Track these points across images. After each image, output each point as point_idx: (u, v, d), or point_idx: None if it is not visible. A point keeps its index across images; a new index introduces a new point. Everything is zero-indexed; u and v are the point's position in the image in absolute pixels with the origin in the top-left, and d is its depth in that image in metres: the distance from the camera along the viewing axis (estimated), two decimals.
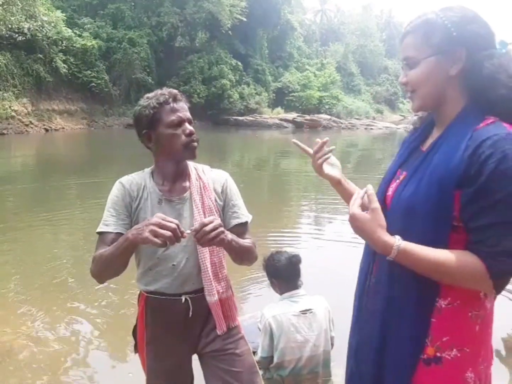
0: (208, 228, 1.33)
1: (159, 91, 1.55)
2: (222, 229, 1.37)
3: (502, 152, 0.99)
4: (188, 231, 1.34)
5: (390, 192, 1.21)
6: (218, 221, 1.37)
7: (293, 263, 2.46)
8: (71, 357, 2.93)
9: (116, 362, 2.93)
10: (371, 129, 32.87)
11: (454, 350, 1.09)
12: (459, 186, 1.03)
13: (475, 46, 1.07)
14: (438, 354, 1.09)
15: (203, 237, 1.33)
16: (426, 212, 1.06)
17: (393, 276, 1.13)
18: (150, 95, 1.55)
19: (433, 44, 1.09)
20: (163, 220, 1.29)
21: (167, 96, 1.51)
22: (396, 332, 1.14)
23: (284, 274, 2.46)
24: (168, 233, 1.26)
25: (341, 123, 33.51)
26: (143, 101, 1.54)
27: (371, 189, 1.12)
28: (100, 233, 1.53)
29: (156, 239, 1.26)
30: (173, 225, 1.28)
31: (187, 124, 1.53)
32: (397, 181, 1.20)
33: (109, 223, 1.53)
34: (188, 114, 1.55)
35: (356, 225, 1.12)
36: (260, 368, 2.37)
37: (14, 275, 4.30)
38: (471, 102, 1.10)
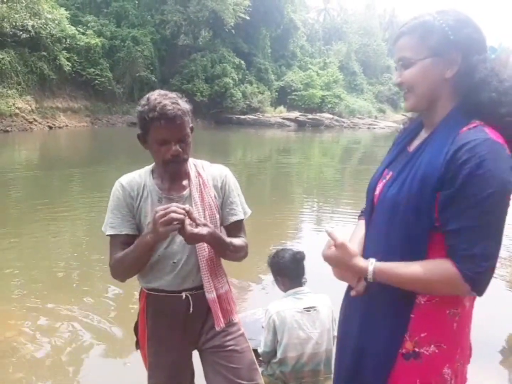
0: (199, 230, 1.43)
1: (157, 99, 1.47)
2: (207, 232, 1.45)
3: (479, 158, 1.01)
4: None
5: (377, 191, 1.24)
6: (211, 230, 1.46)
7: (297, 260, 2.48)
8: (74, 353, 2.94)
9: (118, 358, 2.95)
10: (374, 128, 32.80)
11: (432, 346, 1.11)
12: (439, 188, 1.05)
13: (470, 50, 1.10)
14: (417, 349, 1.12)
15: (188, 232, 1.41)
16: (409, 210, 1.09)
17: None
18: (151, 97, 1.49)
19: (430, 46, 1.10)
20: (160, 211, 1.37)
21: (156, 115, 1.43)
22: (376, 326, 1.18)
23: (288, 271, 2.47)
24: (175, 215, 1.36)
25: (344, 122, 33.44)
26: (142, 103, 1.51)
27: (329, 229, 1.20)
28: (109, 235, 1.58)
29: (171, 227, 1.37)
30: (182, 206, 1.38)
31: (172, 145, 1.49)
32: (384, 181, 1.23)
33: (114, 225, 1.56)
34: (178, 134, 1.49)
35: (329, 262, 1.22)
36: (261, 364, 2.40)
37: (17, 271, 4.32)
38: (459, 105, 1.13)
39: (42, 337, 3.12)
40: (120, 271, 1.57)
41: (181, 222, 1.38)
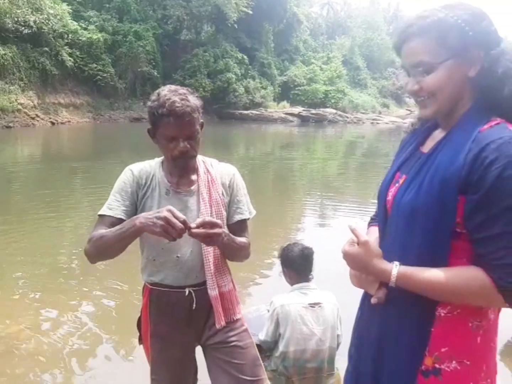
0: (211, 231, 1.38)
1: (167, 95, 1.46)
2: (221, 237, 1.42)
3: (506, 157, 0.94)
4: (194, 225, 1.37)
5: (389, 197, 1.15)
6: (220, 230, 1.41)
7: (305, 255, 2.49)
8: (77, 348, 2.95)
9: (121, 353, 2.95)
10: (377, 123, 32.64)
11: (454, 362, 1.03)
12: (462, 191, 0.98)
13: (489, 43, 1.03)
14: (437, 366, 1.04)
15: (199, 235, 1.37)
16: (428, 216, 1.01)
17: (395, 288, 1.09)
18: (161, 93, 1.49)
19: (449, 46, 1.01)
20: (172, 217, 1.31)
21: (165, 111, 1.43)
22: (394, 341, 1.10)
23: (295, 265, 2.49)
24: (175, 233, 1.31)
25: (347, 117, 33.31)
26: (153, 98, 1.50)
27: (353, 225, 1.11)
28: (101, 216, 1.54)
29: (165, 235, 1.31)
30: (181, 225, 1.31)
31: (180, 142, 1.49)
32: (396, 185, 1.15)
33: (112, 207, 1.54)
34: (187, 131, 1.48)
35: (350, 260, 1.12)
36: (264, 359, 2.36)
37: (20, 266, 4.34)
38: (478, 102, 1.05)
39: (45, 331, 3.13)
40: (96, 249, 1.49)
41: (181, 233, 1.33)
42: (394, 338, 1.10)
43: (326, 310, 2.40)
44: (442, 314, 1.04)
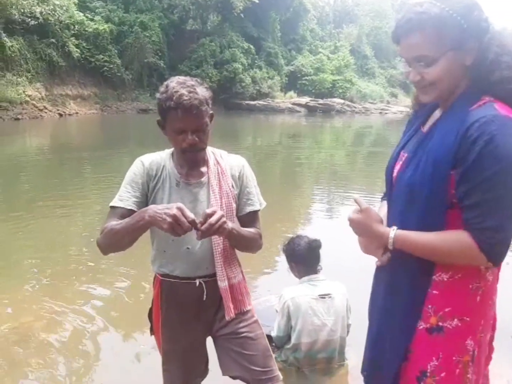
0: (213, 219, 1.37)
1: (175, 87, 1.44)
2: (224, 219, 1.41)
3: (488, 134, 1.05)
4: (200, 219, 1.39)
5: (395, 173, 1.28)
6: (220, 212, 1.41)
7: (313, 248, 2.47)
8: (89, 337, 2.97)
9: (133, 343, 2.96)
10: (386, 113, 32.32)
11: (455, 320, 1.16)
12: (453, 167, 1.10)
13: (481, 32, 1.11)
14: (440, 324, 1.17)
15: (208, 229, 1.37)
16: (424, 192, 1.13)
17: (396, 252, 1.21)
18: (169, 85, 1.47)
19: (448, 39, 1.09)
20: (181, 216, 1.32)
21: (173, 104, 1.42)
22: (396, 299, 1.24)
23: (303, 259, 2.47)
24: (182, 231, 1.33)
25: (355, 107, 33.02)
26: (161, 90, 1.49)
27: (355, 196, 1.29)
28: (112, 207, 1.55)
29: (172, 231, 1.33)
30: (188, 226, 1.33)
31: (189, 134, 1.48)
32: (400, 162, 1.26)
33: (123, 198, 1.55)
34: (195, 124, 1.47)
35: (354, 225, 1.26)
36: (274, 350, 2.39)
37: (30, 258, 4.37)
38: (471, 84, 1.15)
39: (57, 322, 3.15)
40: (107, 240, 1.51)
41: (187, 231, 1.35)
42: (397, 296, 1.23)
43: (336, 300, 2.40)
44: (445, 279, 1.17)
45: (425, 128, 1.25)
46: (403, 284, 1.22)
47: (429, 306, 1.18)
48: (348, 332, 2.48)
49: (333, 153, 13.35)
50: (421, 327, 1.19)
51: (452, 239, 1.11)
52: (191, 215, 1.34)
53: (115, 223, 1.48)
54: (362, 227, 1.25)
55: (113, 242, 1.50)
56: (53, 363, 2.70)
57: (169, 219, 1.31)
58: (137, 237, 1.48)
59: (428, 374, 1.18)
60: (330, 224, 5.78)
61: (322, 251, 2.52)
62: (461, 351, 1.17)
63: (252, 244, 1.66)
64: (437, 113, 1.24)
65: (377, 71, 44.99)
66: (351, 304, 2.50)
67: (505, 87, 1.10)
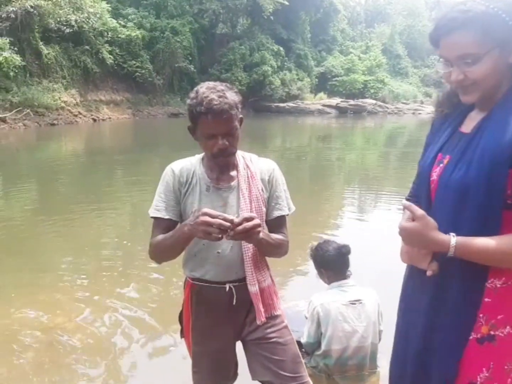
0: (249, 225, 1.37)
1: (205, 92, 1.46)
2: (259, 229, 1.41)
3: None
4: (236, 219, 1.39)
5: (434, 177, 1.22)
6: (258, 221, 1.41)
7: (343, 254, 2.42)
8: (120, 340, 3.02)
9: (163, 346, 2.99)
10: (419, 113, 31.59)
11: (508, 327, 1.12)
12: (511, 165, 1.05)
13: None
14: (492, 332, 1.12)
15: (241, 232, 1.37)
16: (480, 192, 1.08)
17: (444, 261, 1.15)
18: (199, 90, 1.48)
19: (493, 37, 1.08)
20: (209, 218, 1.35)
21: (203, 109, 1.43)
22: (447, 312, 1.17)
23: (333, 265, 2.43)
24: (216, 231, 1.35)
25: (387, 108, 32.44)
26: (192, 95, 1.50)
27: (407, 203, 1.18)
28: (153, 218, 1.62)
29: (209, 237, 1.37)
30: (219, 222, 1.34)
31: (219, 139, 1.49)
32: (441, 165, 1.21)
33: (160, 208, 1.60)
34: (225, 128, 1.48)
35: (408, 234, 1.17)
36: (304, 356, 2.35)
37: (67, 260, 4.48)
38: None
39: (89, 323, 3.22)
40: (156, 254, 1.62)
41: (223, 231, 1.37)
42: (448, 308, 1.17)
43: (367, 306, 2.35)
44: (498, 285, 1.12)
45: (467, 129, 1.20)
46: (454, 296, 1.17)
47: (481, 315, 1.13)
48: (380, 339, 2.42)
49: (364, 155, 13.15)
50: (472, 337, 1.14)
51: None
52: (219, 214, 1.37)
53: (161, 238, 1.56)
54: (418, 236, 1.15)
55: (163, 256, 1.63)
56: (85, 365, 2.75)
57: (201, 227, 1.36)
58: (184, 248, 1.58)
59: None
60: (361, 228, 5.66)
61: (352, 256, 2.47)
62: None
63: (278, 251, 1.66)
64: (474, 114, 1.21)
65: (410, 70, 44.06)
66: (382, 310, 2.42)
67: None
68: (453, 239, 1.11)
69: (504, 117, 1.10)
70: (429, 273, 1.20)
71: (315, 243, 2.60)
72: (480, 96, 1.15)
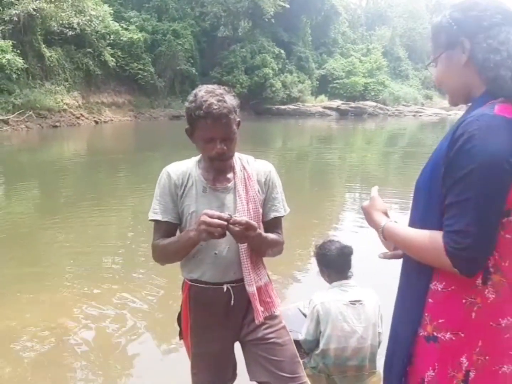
0: (242, 221, 1.43)
1: (204, 96, 1.46)
2: (254, 233, 1.46)
3: (468, 133, 1.01)
4: (236, 216, 1.45)
5: None
6: (258, 231, 1.49)
7: (345, 254, 2.44)
8: (121, 341, 3.03)
9: (162, 347, 3.00)
10: (420, 116, 31.64)
11: (449, 333, 1.11)
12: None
13: (475, 31, 1.10)
14: (435, 334, 1.13)
15: (237, 232, 1.43)
16: (424, 193, 1.14)
17: (406, 256, 1.23)
18: (198, 94, 1.49)
19: (440, 43, 1.17)
20: (208, 218, 1.41)
21: (202, 114, 1.44)
22: (399, 308, 1.25)
23: (335, 264, 2.44)
24: (218, 230, 1.40)
25: (388, 110, 32.49)
26: (190, 99, 1.51)
27: (375, 187, 1.37)
28: (152, 221, 1.64)
29: (213, 236, 1.42)
30: (217, 221, 1.40)
31: (217, 143, 1.50)
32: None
33: (157, 211, 1.62)
34: (223, 132, 1.49)
35: (364, 212, 1.34)
36: (303, 356, 2.38)
37: (70, 260, 4.50)
38: (488, 88, 1.12)
39: (92, 324, 3.24)
40: (161, 257, 1.66)
41: (224, 228, 1.42)
42: (401, 303, 1.24)
43: (367, 307, 2.35)
44: (439, 289, 1.12)
45: None
46: (406, 287, 1.23)
47: (426, 314, 1.15)
48: (380, 341, 2.41)
49: (365, 156, 13.15)
50: (421, 334, 1.16)
51: (426, 237, 1.09)
52: (215, 213, 1.42)
53: (166, 243, 1.59)
54: (366, 214, 1.32)
55: (168, 259, 1.68)
56: (88, 364, 2.77)
57: (202, 227, 1.40)
58: (188, 252, 1.60)
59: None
60: (361, 229, 5.67)
61: (353, 257, 2.48)
62: (455, 366, 1.11)
63: (273, 251, 1.67)
64: None
65: (411, 72, 44.11)
66: (383, 312, 2.42)
67: (502, 85, 1.06)
68: (384, 221, 1.23)
69: (458, 121, 1.11)
70: (379, 255, 1.32)
71: (320, 241, 2.60)
72: (451, 98, 1.22)
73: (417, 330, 1.16)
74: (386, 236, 1.21)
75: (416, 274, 1.17)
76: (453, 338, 1.11)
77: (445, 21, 1.15)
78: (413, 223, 1.19)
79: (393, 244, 1.23)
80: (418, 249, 1.12)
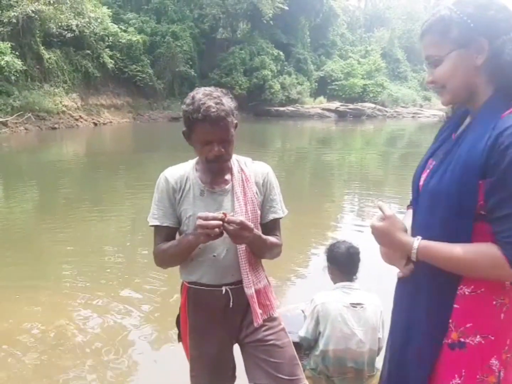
0: (236, 220, 1.43)
1: (201, 99, 1.45)
2: (249, 234, 1.47)
3: None
4: (231, 215, 1.46)
5: (421, 182, 1.22)
6: (256, 233, 1.52)
7: (351, 253, 2.45)
8: (120, 343, 3.03)
9: (161, 350, 3.00)
10: (419, 117, 31.67)
11: (478, 336, 1.10)
12: (482, 176, 1.04)
13: (496, 32, 1.07)
14: (462, 339, 1.11)
15: (232, 231, 1.44)
16: (449, 201, 1.08)
17: (420, 263, 1.15)
18: (195, 96, 1.48)
19: (452, 39, 1.09)
20: (203, 221, 1.42)
21: (200, 116, 1.43)
22: (420, 316, 1.18)
23: (339, 263, 2.45)
24: (215, 231, 1.41)
25: (386, 111, 32.54)
26: (187, 102, 1.50)
27: (380, 203, 1.23)
28: (152, 226, 1.65)
29: (211, 238, 1.44)
30: (211, 223, 1.41)
31: (215, 145, 1.49)
32: (428, 170, 1.21)
33: (157, 216, 1.62)
34: (221, 135, 1.49)
35: (377, 234, 1.21)
36: (303, 358, 2.37)
37: (69, 261, 4.50)
38: (498, 89, 1.10)
39: (90, 325, 3.24)
40: (163, 262, 1.66)
41: (220, 227, 1.42)
42: (421, 312, 1.17)
43: (368, 311, 2.34)
44: (467, 293, 1.11)
45: (456, 135, 1.21)
46: (428, 297, 1.17)
47: (451, 321, 1.13)
48: (380, 346, 2.39)
49: (363, 157, 13.17)
50: (444, 342, 1.13)
51: (480, 252, 1.05)
52: (210, 214, 1.43)
53: (166, 247, 1.60)
54: (385, 236, 1.19)
55: (172, 263, 1.69)
56: (86, 366, 2.76)
57: (199, 231, 1.43)
58: (189, 255, 1.61)
59: None
60: (361, 232, 5.67)
61: (359, 261, 2.48)
62: (485, 370, 1.10)
63: (271, 252, 1.67)
64: (467, 120, 1.21)
65: (409, 74, 44.12)
66: (384, 317, 2.41)
67: None
68: (416, 241, 1.12)
69: (482, 126, 1.08)
70: (399, 274, 1.24)
71: (334, 241, 2.63)
72: (451, 99, 1.17)
73: (443, 339, 1.13)
74: (422, 256, 1.12)
75: (442, 282, 1.13)
76: (483, 342, 1.10)
77: (457, 16, 1.08)
78: (429, 235, 1.13)
79: (432, 263, 1.12)
80: (470, 266, 1.07)
